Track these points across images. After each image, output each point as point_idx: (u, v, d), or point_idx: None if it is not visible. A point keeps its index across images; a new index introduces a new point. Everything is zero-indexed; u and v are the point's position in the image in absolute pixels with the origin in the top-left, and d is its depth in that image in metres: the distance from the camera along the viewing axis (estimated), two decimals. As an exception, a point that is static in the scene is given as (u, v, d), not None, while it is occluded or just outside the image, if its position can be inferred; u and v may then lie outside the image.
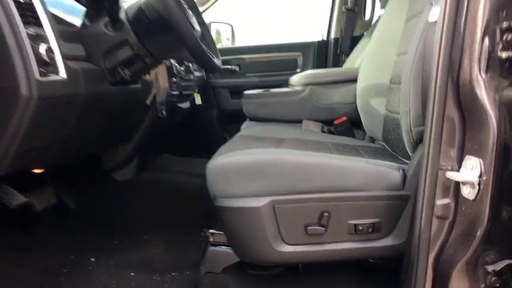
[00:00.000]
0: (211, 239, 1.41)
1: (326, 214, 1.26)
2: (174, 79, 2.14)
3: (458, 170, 1.04)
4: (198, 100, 2.95)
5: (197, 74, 2.77)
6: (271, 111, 2.26)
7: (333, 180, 1.26)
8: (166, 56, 1.66)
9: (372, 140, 2.00)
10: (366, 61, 2.00)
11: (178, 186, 2.16)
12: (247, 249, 1.32)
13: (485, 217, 0.96)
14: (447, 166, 1.06)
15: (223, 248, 1.41)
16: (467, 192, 1.00)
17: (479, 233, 0.98)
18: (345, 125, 2.11)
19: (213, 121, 3.15)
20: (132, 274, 1.65)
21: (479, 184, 0.97)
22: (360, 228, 1.27)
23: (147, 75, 1.88)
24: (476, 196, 0.98)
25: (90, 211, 2.09)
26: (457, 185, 1.05)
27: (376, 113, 1.86)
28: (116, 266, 1.72)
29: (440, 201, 1.07)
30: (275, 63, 3.06)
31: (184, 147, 2.79)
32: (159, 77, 1.94)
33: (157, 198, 2.14)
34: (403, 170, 1.29)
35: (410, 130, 1.26)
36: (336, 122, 2.13)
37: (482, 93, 0.95)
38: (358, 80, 2.02)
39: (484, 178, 0.95)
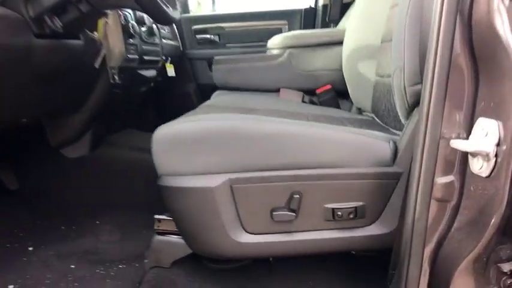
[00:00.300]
0: (157, 227, 1.15)
1: (297, 196, 1.01)
2: (132, 40, 1.84)
3: (466, 138, 0.79)
4: (171, 72, 2.66)
5: (169, 41, 2.48)
6: (243, 78, 1.98)
7: (306, 154, 1.00)
8: (105, 3, 1.38)
9: (360, 111, 1.74)
10: (354, 20, 1.72)
11: (138, 165, 1.88)
12: (199, 239, 1.07)
13: (503, 199, 0.72)
14: (451, 133, 0.81)
15: (173, 237, 1.15)
16: (479, 167, 0.75)
17: (494, 221, 0.73)
18: (329, 94, 1.84)
19: (189, 96, 2.85)
20: (73, 267, 1.39)
21: (496, 155, 0.72)
22: (339, 213, 1.02)
23: (95, 32, 1.59)
24: (492, 172, 0.73)
25: (35, 193, 1.82)
26: (464, 157, 0.80)
27: (364, 80, 1.60)
28: (56, 257, 1.46)
29: (441, 179, 0.82)
30: (258, 32, 2.75)
31: (156, 123, 2.50)
32: (110, 36, 1.65)
33: (113, 178, 1.87)
34: (394, 142, 1.04)
35: (404, 90, 1.00)
36: (318, 90, 1.86)
37: (505, 30, 0.69)
38: (345, 42, 1.74)
39: (504, 148, 0.71)
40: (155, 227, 1.15)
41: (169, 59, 2.49)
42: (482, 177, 0.75)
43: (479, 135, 0.75)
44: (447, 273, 0.81)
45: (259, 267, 1.24)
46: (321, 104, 1.86)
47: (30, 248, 1.51)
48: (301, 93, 1.88)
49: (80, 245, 1.54)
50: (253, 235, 1.05)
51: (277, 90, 1.93)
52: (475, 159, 0.76)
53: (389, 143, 1.02)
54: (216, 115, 1.09)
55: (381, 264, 1.07)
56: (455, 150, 0.81)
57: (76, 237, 1.60)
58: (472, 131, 0.77)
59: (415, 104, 1.00)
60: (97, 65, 1.63)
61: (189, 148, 1.01)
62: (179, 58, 2.74)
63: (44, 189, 1.83)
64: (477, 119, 0.78)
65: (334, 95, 1.85)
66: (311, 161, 1.00)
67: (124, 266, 1.36)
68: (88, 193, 1.85)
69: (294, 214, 1.02)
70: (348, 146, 1.01)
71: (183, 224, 1.08)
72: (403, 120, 1.07)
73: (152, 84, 2.31)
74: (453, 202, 0.82)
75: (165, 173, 1.05)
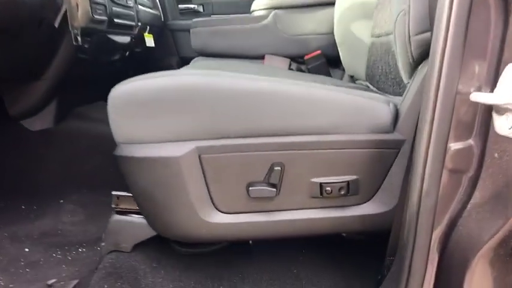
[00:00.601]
0: (115, 205, 0.98)
1: (278, 168, 0.84)
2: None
3: (491, 91, 0.62)
4: (150, 42, 2.45)
5: (148, 9, 2.27)
6: (224, 43, 1.78)
7: (289, 118, 0.83)
8: None
9: (352, 79, 1.56)
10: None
11: (108, 140, 1.70)
12: (163, 219, 0.90)
13: (540, 168, 0.55)
14: (470, 88, 0.64)
15: (134, 217, 0.98)
16: (509, 127, 0.58)
17: (526, 196, 0.57)
18: (319, 61, 1.66)
19: (171, 69, 2.65)
20: (27, 250, 1.22)
21: (532, 110, 0.55)
22: (328, 189, 0.85)
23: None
24: (525, 132, 0.57)
25: (-8, 169, 1.63)
26: (487, 116, 0.64)
27: (358, 43, 1.42)
28: (11, 239, 1.29)
29: (456, 145, 0.65)
30: (246, 2, 2.54)
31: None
32: (71, -10, 1.44)
33: (81, 153, 1.69)
34: (395, 105, 0.87)
35: (409, 40, 0.83)
36: (306, 57, 1.67)
37: None
38: (337, 2, 1.55)
39: (543, 99, 0.54)
40: (113, 205, 0.98)
41: (148, 28, 2.29)
42: (511, 139, 0.59)
43: (508, 86, 0.58)
44: (461, 262, 0.66)
45: (236, 251, 1.08)
46: (310, 71, 1.68)
47: (-16, 230, 1.34)
48: (287, 60, 1.69)
49: (38, 226, 1.37)
50: (226, 214, 0.88)
51: (262, 57, 1.74)
52: (502, 117, 0.60)
53: (389, 105, 0.85)
54: (183, 71, 0.91)
55: (376, 249, 0.92)
56: (475, 107, 0.64)
57: (36, 217, 1.43)
58: (499, 82, 0.61)
59: (421, 57, 0.82)
60: (57, 23, 1.43)
61: (150, 110, 0.83)
62: (160, 29, 2.53)
63: (3, 164, 1.64)
64: (504, 67, 0.61)
65: (324, 61, 1.67)
66: (295, 125, 0.83)
67: (84, 249, 1.19)
68: (52, 169, 1.67)
69: (274, 190, 0.85)
70: (339, 108, 0.84)
71: (145, 202, 0.91)
72: (405, 79, 0.90)
73: (127, 53, 2.11)
74: (470, 173, 0.66)
75: (123, 141, 0.88)
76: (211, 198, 0.87)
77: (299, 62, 1.71)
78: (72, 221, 1.42)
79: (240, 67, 1.40)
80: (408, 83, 0.88)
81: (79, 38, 1.53)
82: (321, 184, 0.85)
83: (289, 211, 0.88)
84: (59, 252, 1.20)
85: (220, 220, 0.88)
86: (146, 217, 0.95)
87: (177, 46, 2.70)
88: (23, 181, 1.64)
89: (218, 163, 0.84)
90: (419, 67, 0.85)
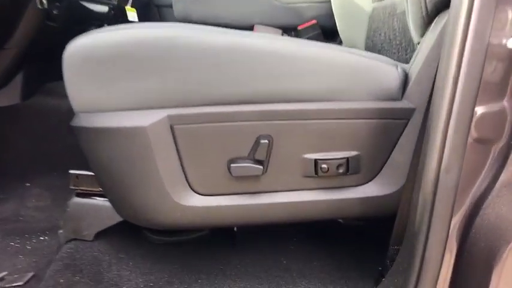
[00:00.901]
0: (74, 186, 0.84)
1: (265, 142, 0.71)
2: (69, -41, 1.47)
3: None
4: (133, 17, 2.29)
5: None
6: (209, 11, 1.63)
7: (279, 80, 0.70)
8: None
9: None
10: None
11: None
12: (130, 202, 0.77)
13: None
14: (504, 37, 0.52)
15: (97, 200, 0.84)
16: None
17: None
18: (313, 31, 1.51)
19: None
20: (-19, 239, 1.08)
21: None
22: (324, 166, 0.72)
23: None
24: None
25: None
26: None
27: (358, 11, 1.28)
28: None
29: (484, 108, 0.53)
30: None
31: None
32: None
33: (50, 132, 1.54)
34: (403, 70, 0.74)
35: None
36: (300, 27, 1.53)
37: None
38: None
39: None
40: (71, 186, 0.84)
41: (130, 0, 2.12)
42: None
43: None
44: (487, 252, 0.53)
45: (218, 240, 0.95)
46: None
47: None
48: (279, 31, 1.54)
49: (-1, 212, 1.23)
50: (204, 197, 0.75)
51: (251, 28, 1.59)
52: (549, 71, 0.47)
53: (397, 68, 0.72)
54: (152, 23, 0.76)
55: (377, 236, 0.80)
56: (510, 62, 0.52)
57: (-3, 202, 1.28)
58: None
59: (436, 9, 0.69)
60: (19, -17, 1.27)
61: (112, 69, 0.69)
62: (144, 3, 2.36)
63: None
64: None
65: (319, 32, 1.53)
66: (286, 90, 0.70)
67: (46, 237, 1.05)
68: (19, 149, 1.52)
69: (260, 167, 0.72)
70: (338, 69, 0.70)
71: (108, 182, 0.77)
72: (416, 39, 0.77)
73: (105, 24, 1.94)
74: (501, 143, 0.54)
75: (81, 109, 0.74)
76: (186, 178, 0.74)
77: (292, 32, 1.56)
78: (36, 206, 1.27)
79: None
80: (419, 43, 0.75)
81: (44, 1, 1.37)
82: (315, 161, 0.72)
83: (277, 193, 0.75)
84: (17, 241, 1.06)
85: (197, 203, 0.75)
86: (111, 200, 0.81)
87: (160, 20, 2.53)
88: (-14, 162, 1.49)
89: (194, 135, 0.71)
90: (433, 23, 0.71)
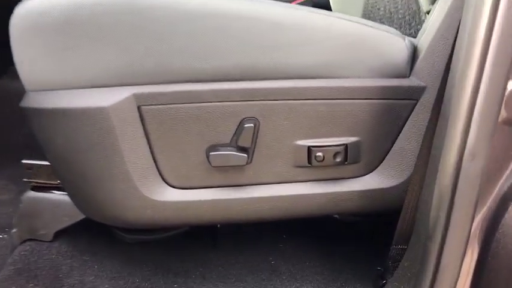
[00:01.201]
0: (27, 178, 0.72)
1: (250, 125, 0.60)
2: None
3: None
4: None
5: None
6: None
7: (267, 53, 0.59)
8: None
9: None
10: None
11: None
12: (91, 197, 0.65)
13: None
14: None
15: (56, 194, 0.73)
16: None
17: None
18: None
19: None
20: None
21: None
22: (319, 155, 0.62)
23: None
24: None
25: None
26: None
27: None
28: None
29: (520, 81, 0.43)
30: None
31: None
32: None
33: (20, 118, 1.41)
34: (411, 43, 0.63)
35: None
36: (293, 3, 1.42)
37: None
38: None
39: None
40: (25, 179, 0.73)
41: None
42: None
43: None
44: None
45: (197, 238, 0.85)
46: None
47: None
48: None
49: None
50: (179, 190, 0.64)
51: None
52: None
53: (404, 41, 0.62)
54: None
55: (377, 234, 0.70)
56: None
57: (-47, 195, 1.16)
58: None
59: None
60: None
61: (64, 38, 0.57)
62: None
63: None
64: None
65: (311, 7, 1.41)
66: (275, 64, 0.59)
67: (4, 235, 0.94)
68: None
69: (245, 156, 0.61)
70: (336, 40, 0.60)
71: (65, 173, 0.66)
72: (425, 7, 0.66)
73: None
74: (540, 124, 0.44)
75: (32, 87, 0.62)
76: (157, 168, 0.63)
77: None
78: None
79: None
80: (428, 12, 0.65)
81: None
82: (309, 148, 0.62)
83: (264, 185, 0.65)
84: (-28, 240, 0.94)
85: (171, 198, 0.64)
86: (70, 195, 0.70)
87: None
88: None
89: (166, 118, 0.60)
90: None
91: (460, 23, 0.50)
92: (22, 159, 1.41)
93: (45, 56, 0.59)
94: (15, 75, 1.65)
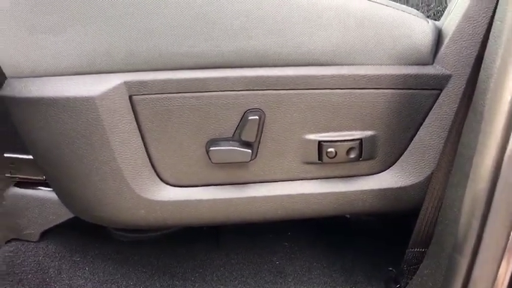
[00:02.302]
0: (10, 173, 0.66)
1: (255, 118, 0.54)
2: None
3: None
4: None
5: None
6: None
7: (272, 36, 0.52)
8: None
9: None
10: None
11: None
12: (80, 195, 0.59)
13: None
14: None
15: (42, 190, 0.67)
16: None
17: None
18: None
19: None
20: None
21: None
22: (331, 150, 0.56)
23: None
24: None
25: None
26: None
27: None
28: None
29: None
30: None
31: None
32: None
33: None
34: (435, 26, 0.57)
35: None
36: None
37: None
38: None
39: None
40: (7, 174, 0.67)
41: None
42: None
43: None
44: None
45: (197, 237, 0.79)
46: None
47: None
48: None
49: None
50: (176, 188, 0.59)
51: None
52: None
53: (428, 23, 0.55)
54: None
55: (391, 234, 0.65)
56: None
57: None
58: None
59: None
60: None
61: (47, 16, 0.51)
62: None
63: None
64: None
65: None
66: (282, 49, 0.53)
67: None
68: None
69: (249, 151, 0.55)
70: (352, 21, 0.53)
71: (51, 169, 0.60)
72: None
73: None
74: None
75: (13, 73, 0.55)
76: (151, 164, 0.57)
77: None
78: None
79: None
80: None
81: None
82: (319, 143, 0.56)
83: (270, 183, 0.59)
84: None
85: (167, 197, 0.58)
86: (56, 192, 0.64)
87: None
88: None
89: (160, 109, 0.54)
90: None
91: (497, 3, 0.44)
92: (3, 152, 1.34)
93: (25, 37, 0.53)
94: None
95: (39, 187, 0.67)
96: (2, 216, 0.69)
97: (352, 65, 0.54)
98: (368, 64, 0.54)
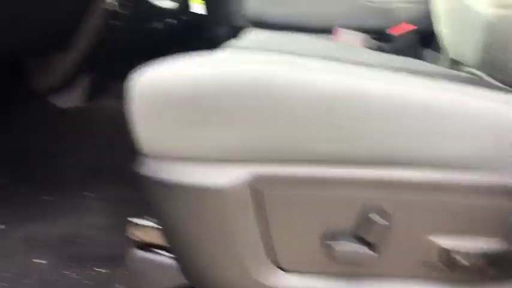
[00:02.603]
0: (134, 234, 0.71)
1: (379, 218, 0.53)
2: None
3: None
4: (199, 8, 2.14)
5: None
6: (285, 10, 1.42)
7: (402, 138, 0.51)
8: None
9: (454, 65, 1.18)
10: None
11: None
12: (199, 268, 0.62)
13: None
14: None
15: (163, 256, 0.71)
16: None
17: None
18: (409, 39, 1.27)
19: (218, 41, 2.31)
20: (36, 261, 1.01)
21: None
22: (461, 260, 0.53)
23: None
24: None
25: (15, 150, 1.42)
26: None
27: (469, 15, 1.04)
28: (25, 242, 1.09)
29: None
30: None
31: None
32: None
33: (117, 135, 1.45)
34: None
35: None
36: (391, 31, 1.28)
37: None
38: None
39: None
40: (130, 235, 0.71)
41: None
42: None
43: None
44: None
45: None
46: (395, 52, 1.30)
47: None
48: (365, 36, 1.31)
49: (47, 229, 1.14)
50: (292, 275, 0.59)
51: (330, 31, 1.37)
52: None
53: None
54: (235, 55, 0.60)
55: None
56: None
57: (54, 214, 1.21)
58: None
59: None
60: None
61: (187, 112, 0.54)
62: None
63: (17, 146, 1.42)
64: None
65: (414, 38, 1.28)
66: (412, 151, 0.51)
67: (103, 269, 0.95)
68: (80, 155, 1.44)
69: (371, 252, 0.54)
70: (488, 128, 0.50)
71: (175, 240, 0.63)
72: None
73: (174, 21, 1.81)
74: None
75: (153, 154, 0.59)
76: (272, 250, 0.58)
77: (380, 37, 1.33)
78: (96, 224, 1.18)
79: (304, 44, 1.06)
80: None
81: (116, 2, 1.28)
82: (448, 252, 0.53)
83: (392, 280, 0.57)
84: (72, 269, 0.97)
85: (282, 283, 0.59)
86: (177, 259, 0.67)
87: (228, 13, 2.35)
88: (43, 166, 1.42)
89: (286, 199, 0.54)
90: None
91: None
92: (120, 180, 1.41)
93: (169, 129, 0.56)
94: (114, 94, 1.69)
95: (161, 251, 0.71)
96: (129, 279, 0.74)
97: (469, 170, 0.51)
98: (498, 170, 0.51)
